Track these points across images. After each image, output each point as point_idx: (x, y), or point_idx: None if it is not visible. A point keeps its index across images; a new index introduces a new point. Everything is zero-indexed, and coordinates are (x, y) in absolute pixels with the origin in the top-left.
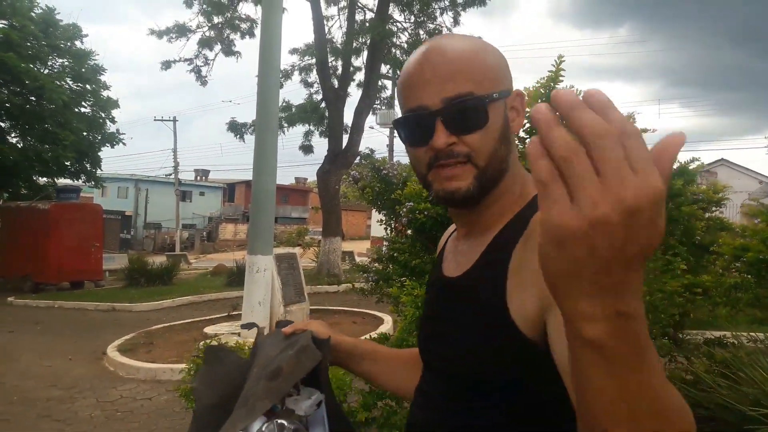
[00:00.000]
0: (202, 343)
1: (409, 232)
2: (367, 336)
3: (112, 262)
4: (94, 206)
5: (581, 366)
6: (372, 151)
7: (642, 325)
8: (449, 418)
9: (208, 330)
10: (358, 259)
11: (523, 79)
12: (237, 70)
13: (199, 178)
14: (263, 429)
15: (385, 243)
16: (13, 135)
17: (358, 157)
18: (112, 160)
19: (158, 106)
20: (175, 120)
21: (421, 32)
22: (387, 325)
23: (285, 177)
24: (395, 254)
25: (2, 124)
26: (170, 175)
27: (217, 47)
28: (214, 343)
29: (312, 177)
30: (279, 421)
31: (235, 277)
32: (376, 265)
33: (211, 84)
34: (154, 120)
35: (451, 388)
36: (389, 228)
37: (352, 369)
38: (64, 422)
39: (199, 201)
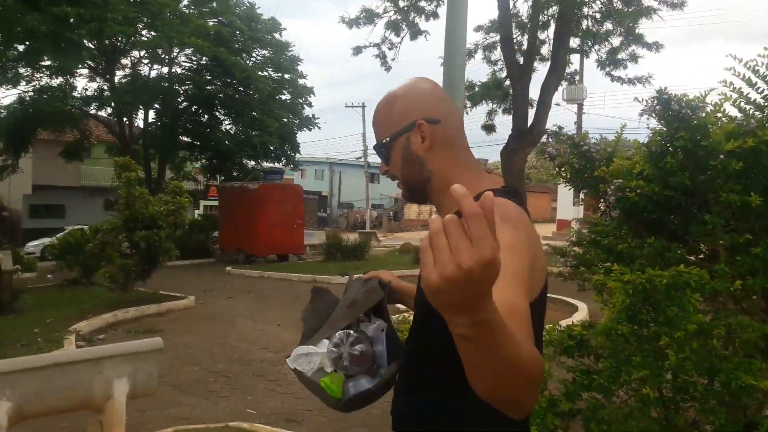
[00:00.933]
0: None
1: (615, 213)
2: (561, 323)
3: (311, 237)
4: (295, 186)
5: (460, 349)
6: (560, 128)
7: (495, 323)
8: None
9: None
10: (545, 242)
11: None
12: (419, 57)
13: None
14: (337, 336)
15: (573, 225)
16: (226, 123)
17: (545, 135)
18: (308, 145)
19: (347, 95)
20: (363, 106)
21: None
22: (582, 312)
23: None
24: (598, 238)
25: (217, 114)
26: (360, 158)
27: (403, 32)
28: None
29: (492, 157)
30: (347, 330)
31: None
32: (576, 249)
33: (395, 70)
34: (345, 106)
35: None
36: (594, 208)
37: (406, 304)
38: (275, 382)
39: (387, 182)
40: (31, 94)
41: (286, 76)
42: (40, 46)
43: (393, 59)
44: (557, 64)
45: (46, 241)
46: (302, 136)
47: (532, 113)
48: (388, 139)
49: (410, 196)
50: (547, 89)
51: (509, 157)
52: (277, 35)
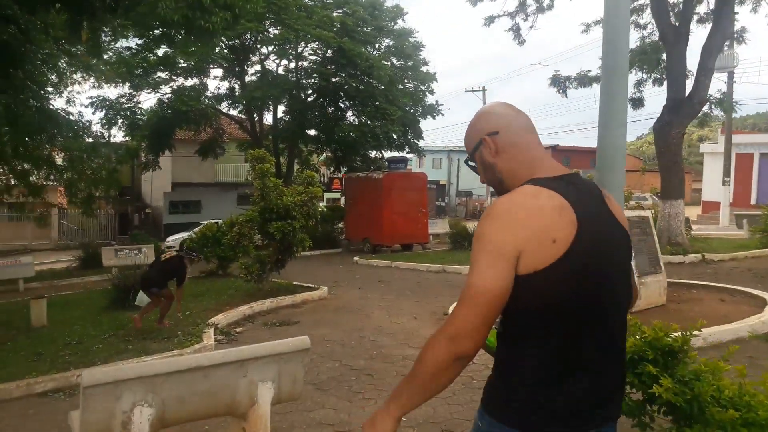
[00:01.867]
0: None
1: None
2: (745, 321)
3: (434, 226)
4: (419, 175)
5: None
6: (724, 95)
7: (407, 407)
8: None
9: None
10: (694, 227)
11: None
12: (542, 37)
13: None
14: None
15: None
16: (349, 114)
17: (707, 104)
18: (426, 134)
19: (467, 81)
20: (484, 90)
21: None
22: None
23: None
24: None
25: (342, 105)
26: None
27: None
28: None
29: (638, 132)
30: None
31: None
32: (758, 235)
33: (516, 53)
34: (465, 91)
35: None
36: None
37: None
38: None
39: None
40: (168, 95)
41: (409, 63)
42: (173, 33)
43: (527, 31)
44: (722, 21)
45: (184, 235)
46: (422, 125)
47: (688, 83)
48: (469, 154)
49: (498, 193)
50: (709, 51)
51: (664, 130)
52: (400, 21)
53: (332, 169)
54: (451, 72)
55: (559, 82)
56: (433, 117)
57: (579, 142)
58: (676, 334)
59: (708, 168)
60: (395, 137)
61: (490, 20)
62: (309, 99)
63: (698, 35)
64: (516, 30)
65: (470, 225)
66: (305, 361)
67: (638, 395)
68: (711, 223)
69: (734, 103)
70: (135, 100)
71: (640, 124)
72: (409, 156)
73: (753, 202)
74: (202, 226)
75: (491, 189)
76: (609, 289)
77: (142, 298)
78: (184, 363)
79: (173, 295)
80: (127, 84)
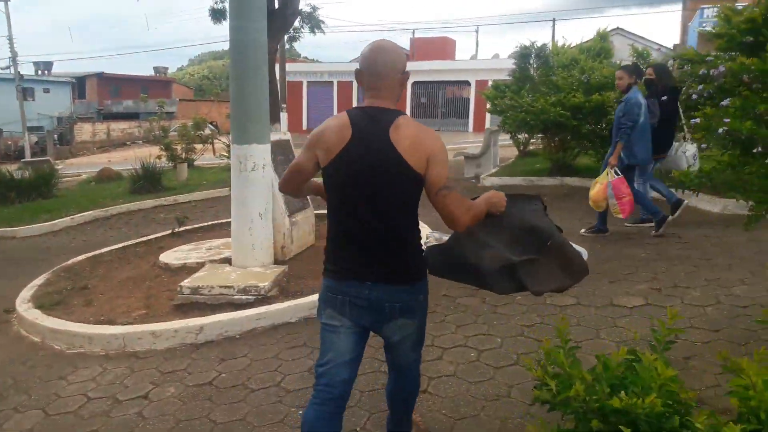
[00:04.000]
0: (185, 282)
1: None
2: None
3: None
4: None
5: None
6: (314, 8)
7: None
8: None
9: (167, 258)
10: None
11: None
12: None
13: (40, 72)
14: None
15: None
16: None
17: (299, 18)
18: None
19: None
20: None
21: None
22: None
23: (140, 67)
24: None
25: None
26: (7, 68)
27: None
28: None
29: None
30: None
31: (143, 182)
32: None
33: None
34: None
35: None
36: None
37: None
38: None
39: (44, 99)
40: None
41: None
42: None
43: None
44: None
45: None
46: None
47: None
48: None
49: None
50: None
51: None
52: None
53: None
54: None
55: None
56: None
57: (129, 68)
58: None
59: None
60: None
61: None
62: None
63: None
64: None
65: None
66: None
67: None
68: None
69: (321, 22)
70: None
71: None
72: None
73: (305, 127)
74: None
75: (30, 123)
76: (365, 184)
77: None
78: None
79: None
80: None
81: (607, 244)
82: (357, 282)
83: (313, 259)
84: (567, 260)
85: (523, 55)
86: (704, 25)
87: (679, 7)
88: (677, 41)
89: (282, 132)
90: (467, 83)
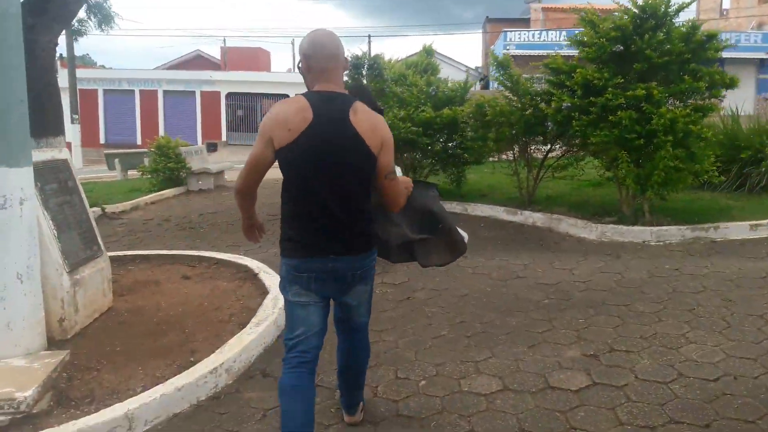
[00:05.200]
0: None
1: None
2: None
3: None
4: None
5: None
6: None
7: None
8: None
9: None
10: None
11: None
12: None
13: None
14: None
15: None
16: None
17: (85, 6)
18: None
19: None
20: None
21: None
22: None
23: None
24: None
25: None
26: None
27: None
28: None
29: None
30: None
31: None
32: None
33: None
34: None
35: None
36: None
37: None
38: None
39: None
40: None
41: None
42: None
43: None
44: None
45: None
46: None
47: None
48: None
49: None
50: None
51: (28, 39)
52: None
53: None
54: None
55: None
56: None
57: None
58: None
59: None
60: None
61: None
62: None
63: None
64: None
65: None
66: None
67: None
68: None
69: (114, 14)
70: None
71: None
72: None
73: (102, 141)
74: None
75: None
76: (329, 163)
77: None
78: None
79: None
80: None
81: (495, 286)
82: (320, 257)
83: (113, 331)
84: (452, 241)
85: (355, 65)
86: (508, 48)
87: (479, 31)
88: (479, 63)
89: (57, 149)
90: (287, 96)
